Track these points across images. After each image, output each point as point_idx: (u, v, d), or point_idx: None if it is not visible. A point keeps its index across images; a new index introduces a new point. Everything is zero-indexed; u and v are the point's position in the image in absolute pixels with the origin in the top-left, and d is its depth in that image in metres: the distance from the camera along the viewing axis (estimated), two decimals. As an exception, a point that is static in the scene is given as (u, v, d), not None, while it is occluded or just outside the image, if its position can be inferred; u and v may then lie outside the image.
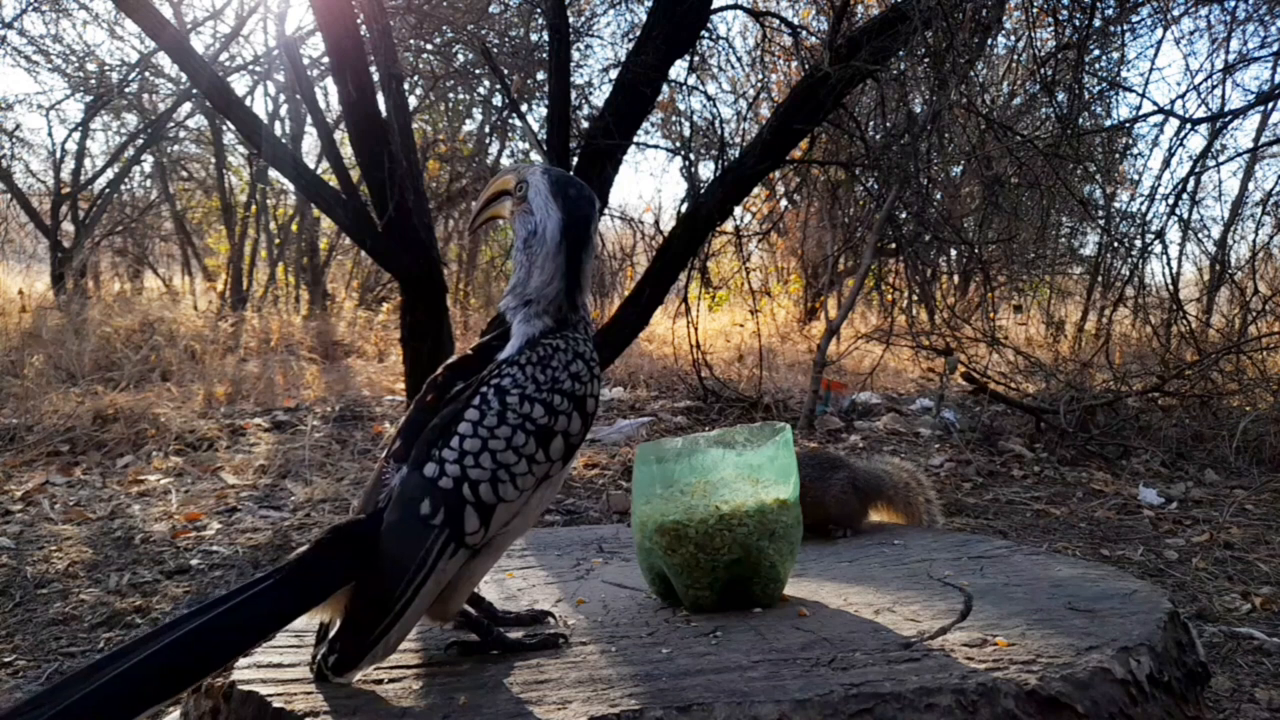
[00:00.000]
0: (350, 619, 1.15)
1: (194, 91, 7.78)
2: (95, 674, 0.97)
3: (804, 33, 5.71)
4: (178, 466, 4.31)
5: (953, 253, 7.90)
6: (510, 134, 9.48)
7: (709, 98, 6.30)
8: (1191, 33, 8.11)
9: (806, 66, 4.97)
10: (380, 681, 1.16)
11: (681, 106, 7.38)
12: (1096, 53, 5.82)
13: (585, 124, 5.12)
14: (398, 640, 1.16)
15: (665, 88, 5.29)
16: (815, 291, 10.31)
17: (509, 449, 1.18)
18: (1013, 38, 6.10)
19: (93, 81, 8.59)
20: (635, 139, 4.74)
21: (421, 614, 1.17)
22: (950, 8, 4.07)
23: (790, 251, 10.87)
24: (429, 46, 6.00)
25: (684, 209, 5.20)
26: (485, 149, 9.97)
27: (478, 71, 6.45)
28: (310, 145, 9.39)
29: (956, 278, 8.68)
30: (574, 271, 1.28)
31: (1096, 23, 4.77)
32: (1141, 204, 6.85)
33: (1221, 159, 6.65)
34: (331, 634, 1.17)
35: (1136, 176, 8.30)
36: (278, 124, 9.31)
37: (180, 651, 1.01)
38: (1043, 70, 4.73)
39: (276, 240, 10.07)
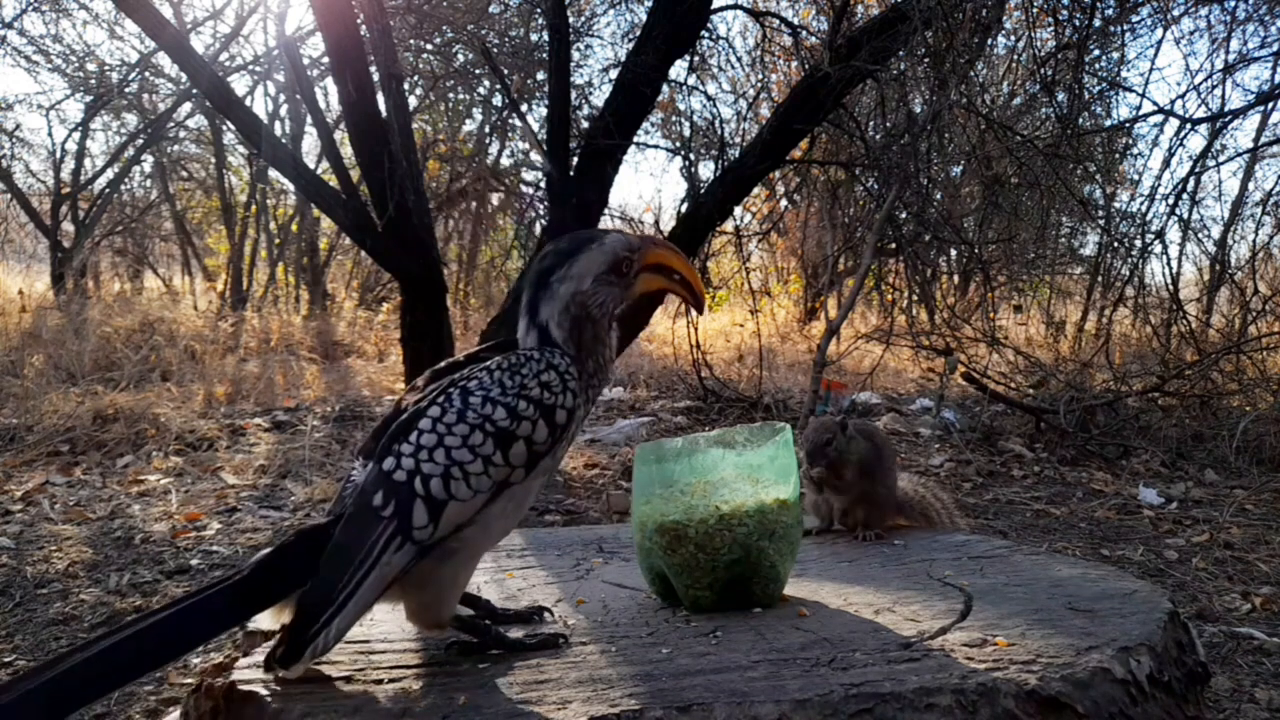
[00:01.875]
0: (298, 612, 1.16)
1: (194, 91, 7.78)
2: (52, 666, 1.03)
3: (804, 33, 5.71)
4: (178, 466, 4.31)
5: (953, 253, 7.90)
6: (510, 134, 9.48)
7: (709, 98, 6.32)
8: (1191, 33, 8.10)
9: (806, 66, 4.97)
10: (380, 681, 1.16)
11: (681, 106, 7.39)
12: (1096, 53, 5.82)
13: (585, 124, 5.12)
14: (340, 633, 1.15)
15: (665, 88, 5.29)
16: (815, 291, 10.31)
17: (464, 447, 1.18)
18: (1013, 38, 6.11)
19: (93, 81, 8.60)
20: (635, 139, 4.74)
21: (367, 608, 1.17)
22: (950, 8, 4.07)
23: (790, 251, 10.88)
24: (429, 46, 6.00)
25: (684, 209, 5.21)
26: (485, 149, 9.97)
27: (478, 71, 6.44)
28: (310, 145, 9.40)
29: (956, 278, 8.68)
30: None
31: (1096, 23, 4.77)
32: (1141, 204, 6.86)
33: (1221, 159, 6.66)
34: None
35: (1136, 176, 8.30)
36: (278, 124, 9.32)
37: (128, 648, 1.07)
38: (1043, 70, 4.73)
39: (276, 240, 10.07)
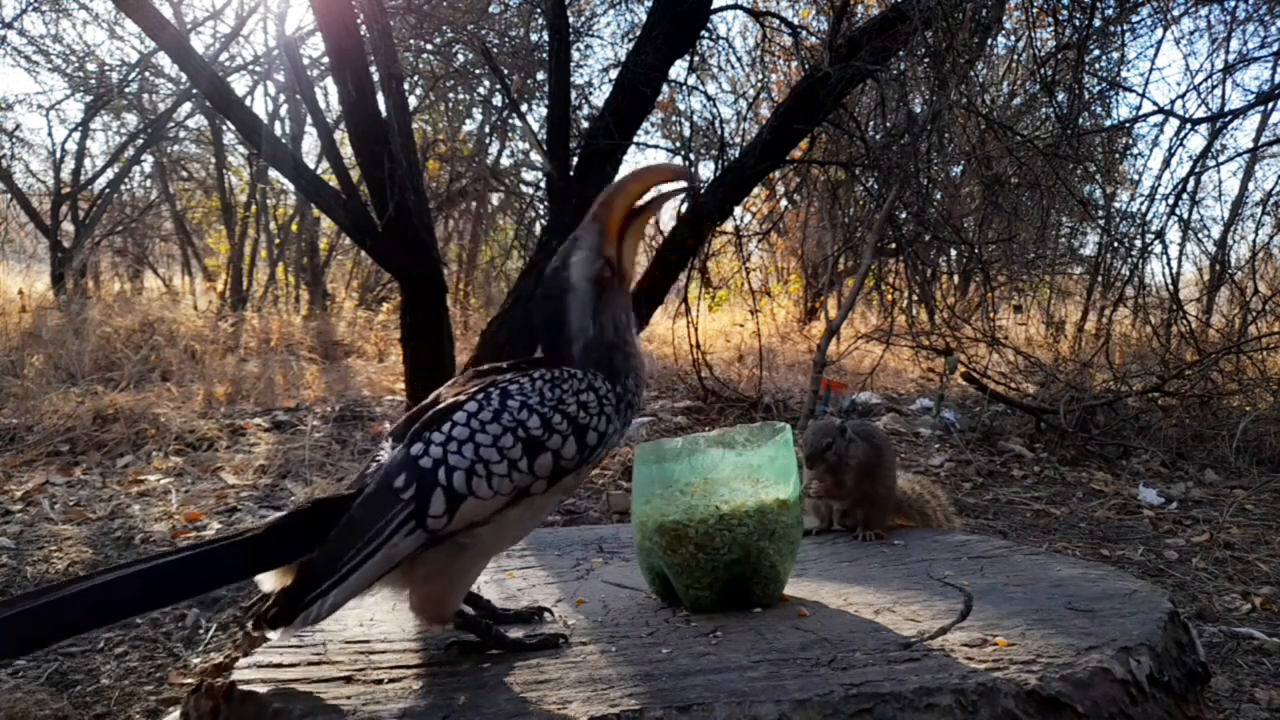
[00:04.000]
0: (298, 576, 1.17)
1: (194, 91, 7.78)
2: (53, 591, 1.07)
3: (804, 33, 5.72)
4: (178, 466, 4.31)
5: (953, 253, 7.90)
6: (510, 134, 9.48)
7: (709, 98, 6.30)
8: (1191, 33, 8.07)
9: (806, 66, 4.97)
10: (380, 681, 1.16)
11: (681, 106, 7.39)
12: (1096, 53, 5.82)
13: (585, 124, 5.11)
14: (335, 605, 1.15)
15: (665, 88, 5.29)
16: (815, 291, 10.31)
17: (493, 447, 1.19)
18: (1013, 38, 6.11)
19: (93, 81, 8.59)
20: (635, 139, 4.74)
21: (367, 586, 1.17)
22: (950, 8, 4.07)
23: (790, 251, 10.88)
24: (429, 46, 6.00)
25: (684, 209, 5.20)
26: (485, 149, 9.97)
27: (478, 71, 6.44)
28: (310, 145, 9.40)
29: (956, 278, 8.68)
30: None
31: (1096, 23, 4.77)
32: (1141, 204, 6.86)
33: (1221, 159, 6.65)
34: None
35: (1136, 176, 8.31)
36: (278, 124, 9.31)
37: (130, 585, 1.11)
38: (1043, 70, 4.73)
39: (276, 240, 10.06)
